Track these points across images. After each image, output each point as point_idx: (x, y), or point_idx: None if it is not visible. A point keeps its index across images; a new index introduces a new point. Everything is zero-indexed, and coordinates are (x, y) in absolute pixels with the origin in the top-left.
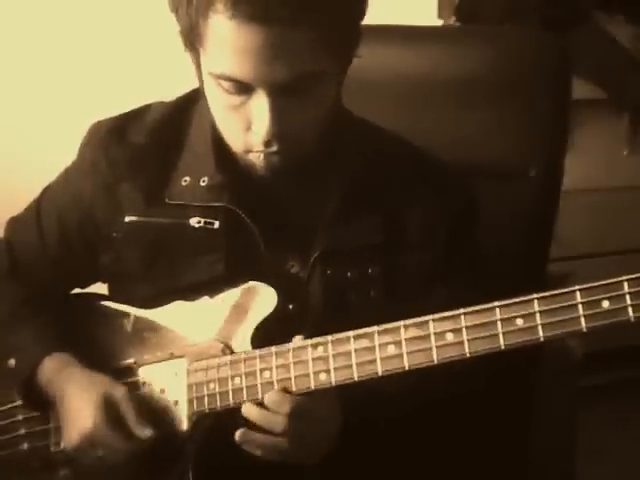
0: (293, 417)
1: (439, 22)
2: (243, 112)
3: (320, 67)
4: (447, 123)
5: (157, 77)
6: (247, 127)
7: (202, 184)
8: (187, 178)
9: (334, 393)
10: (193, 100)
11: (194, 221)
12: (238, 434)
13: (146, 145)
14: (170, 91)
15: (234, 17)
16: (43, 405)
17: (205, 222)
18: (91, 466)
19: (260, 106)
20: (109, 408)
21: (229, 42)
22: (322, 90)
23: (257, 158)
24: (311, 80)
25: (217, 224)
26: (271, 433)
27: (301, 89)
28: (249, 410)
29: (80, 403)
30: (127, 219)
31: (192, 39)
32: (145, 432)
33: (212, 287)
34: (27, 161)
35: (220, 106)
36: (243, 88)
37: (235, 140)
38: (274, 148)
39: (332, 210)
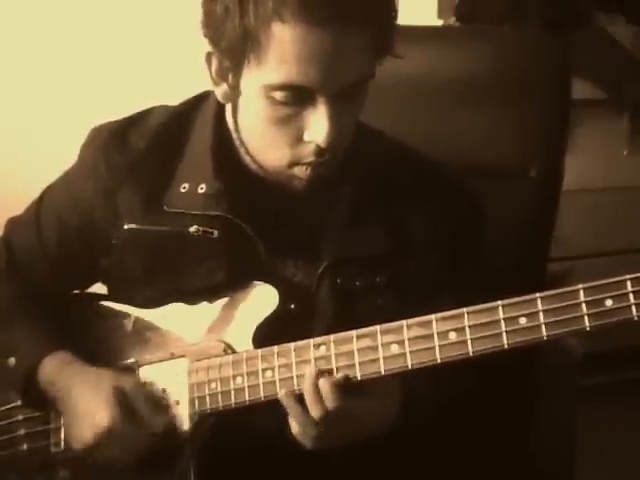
0: (329, 417)
1: (439, 22)
2: (295, 123)
3: (372, 69)
4: (447, 123)
5: (159, 80)
6: (297, 139)
7: (200, 191)
8: (186, 185)
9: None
10: (197, 105)
11: (193, 229)
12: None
13: (147, 150)
14: (171, 93)
15: (301, 22)
16: (44, 405)
17: (204, 231)
18: (93, 465)
19: (319, 113)
20: (121, 401)
21: (294, 49)
22: (362, 95)
23: (303, 171)
24: (362, 84)
25: (216, 233)
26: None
27: (353, 94)
28: (307, 381)
29: (90, 400)
30: (126, 226)
31: (241, 53)
32: (161, 420)
33: (213, 293)
34: (27, 161)
35: (267, 120)
36: (300, 97)
37: (280, 155)
38: (326, 157)
39: (340, 219)
